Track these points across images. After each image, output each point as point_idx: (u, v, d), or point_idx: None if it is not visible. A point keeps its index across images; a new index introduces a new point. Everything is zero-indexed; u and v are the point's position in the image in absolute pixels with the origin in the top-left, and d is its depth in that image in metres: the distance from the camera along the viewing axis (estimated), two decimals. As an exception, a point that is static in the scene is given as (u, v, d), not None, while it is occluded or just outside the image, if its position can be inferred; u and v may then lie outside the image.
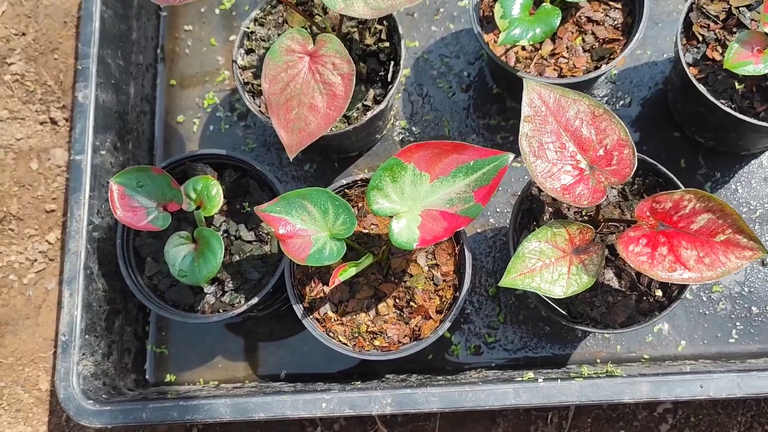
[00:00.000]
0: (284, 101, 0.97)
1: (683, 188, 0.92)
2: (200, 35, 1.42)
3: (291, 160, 0.98)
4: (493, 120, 1.31)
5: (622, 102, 1.29)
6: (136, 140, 1.30)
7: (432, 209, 0.92)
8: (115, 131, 1.23)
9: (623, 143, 0.92)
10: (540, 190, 1.09)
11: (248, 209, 1.14)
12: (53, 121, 1.41)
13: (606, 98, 1.29)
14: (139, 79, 1.33)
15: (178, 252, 1.04)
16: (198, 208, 1.07)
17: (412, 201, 0.92)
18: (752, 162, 1.24)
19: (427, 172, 0.92)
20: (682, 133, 1.26)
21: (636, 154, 0.91)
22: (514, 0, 1.09)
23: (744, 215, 1.21)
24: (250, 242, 1.12)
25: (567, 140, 0.94)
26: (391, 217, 0.92)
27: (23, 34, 1.46)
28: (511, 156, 0.90)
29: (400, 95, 1.33)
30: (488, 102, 1.32)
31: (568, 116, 0.94)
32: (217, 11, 1.43)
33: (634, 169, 0.91)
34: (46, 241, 1.35)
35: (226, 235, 1.13)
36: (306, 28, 1.17)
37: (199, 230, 1.04)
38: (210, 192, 1.07)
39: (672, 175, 1.04)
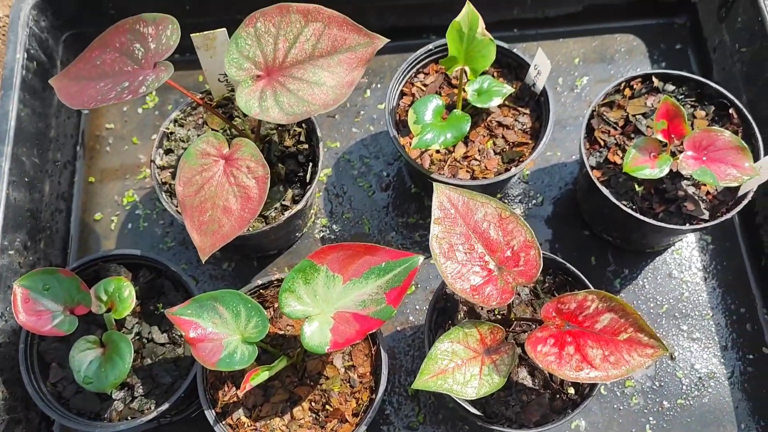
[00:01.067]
0: (198, 203, 0.97)
1: (587, 289, 0.95)
2: (122, 133, 1.42)
3: (203, 261, 0.97)
4: (412, 218, 1.33)
5: (534, 201, 1.34)
6: (49, 239, 1.26)
7: (345, 311, 0.92)
8: (26, 230, 1.20)
9: (529, 245, 0.95)
10: (455, 289, 1.11)
11: (162, 310, 1.11)
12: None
13: (519, 197, 1.34)
14: (56, 176, 1.32)
15: (84, 357, 1.00)
16: (109, 310, 1.04)
17: (325, 303, 0.92)
18: (657, 259, 1.30)
19: (340, 273, 0.93)
20: (592, 231, 1.31)
21: (541, 255, 0.94)
22: (426, 106, 1.14)
23: (651, 311, 1.26)
24: (162, 344, 1.09)
25: (476, 242, 0.96)
26: (304, 319, 0.92)
27: (-63, 129, 1.43)
28: (421, 258, 0.92)
29: (321, 194, 1.35)
30: (407, 201, 1.35)
31: (476, 218, 0.97)
32: (140, 110, 1.44)
33: (540, 269, 0.94)
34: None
35: (138, 337, 1.10)
36: (225, 131, 1.19)
37: (108, 334, 1.01)
38: (122, 294, 1.04)
39: (580, 274, 1.08)
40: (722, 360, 1.22)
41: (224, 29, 1.10)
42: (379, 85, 1.45)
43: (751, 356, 1.23)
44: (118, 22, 1.03)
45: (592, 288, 1.07)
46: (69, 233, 1.33)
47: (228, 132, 1.19)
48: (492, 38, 1.10)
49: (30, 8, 1.30)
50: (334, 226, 1.33)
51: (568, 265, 1.09)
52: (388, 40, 1.01)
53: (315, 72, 0.99)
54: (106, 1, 1.34)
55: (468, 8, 1.09)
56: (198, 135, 1.20)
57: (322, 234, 1.33)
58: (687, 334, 1.24)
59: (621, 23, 1.49)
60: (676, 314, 1.26)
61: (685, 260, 1.30)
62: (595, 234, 1.31)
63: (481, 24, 1.09)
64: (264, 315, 0.93)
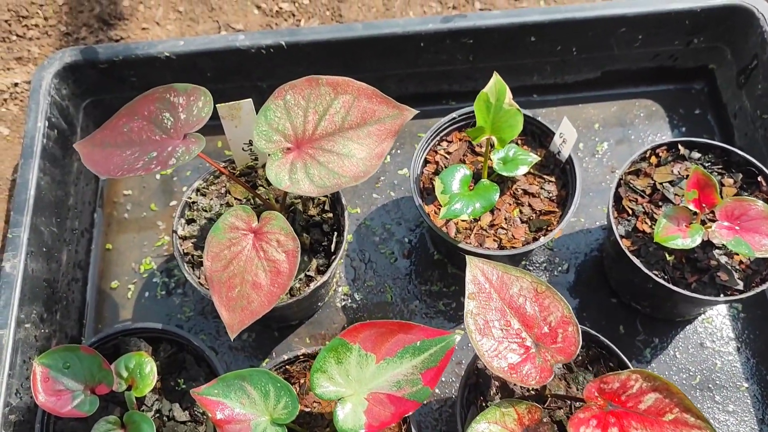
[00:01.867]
0: (226, 279, 0.95)
1: (630, 368, 0.92)
2: (140, 200, 1.41)
3: (232, 339, 0.94)
4: (435, 286, 1.31)
5: (560, 268, 1.32)
6: (64, 309, 1.23)
7: (379, 392, 0.89)
8: (42, 302, 1.17)
9: (567, 320, 0.93)
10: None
11: (183, 386, 1.08)
12: (-24, 287, 1.34)
13: (544, 264, 1.32)
14: (73, 244, 1.29)
15: (104, 439, 0.96)
16: (129, 387, 1.01)
17: (358, 384, 0.89)
18: (687, 328, 1.27)
19: (373, 352, 0.90)
20: (619, 299, 1.29)
21: (580, 331, 0.92)
22: (453, 175, 1.12)
23: (684, 382, 1.22)
24: (184, 423, 1.05)
25: (512, 317, 0.94)
26: (336, 401, 0.88)
27: (-48, 196, 1.42)
28: (458, 337, 0.89)
29: (342, 261, 1.33)
30: (429, 268, 1.33)
31: (511, 293, 0.95)
32: (158, 177, 1.43)
33: (579, 347, 0.91)
34: (-44, 419, 1.24)
35: (158, 415, 1.06)
36: (249, 200, 1.18)
37: (129, 415, 0.97)
38: (143, 370, 1.01)
39: (614, 347, 1.05)
40: (759, 434, 1.19)
41: (250, 99, 1.09)
42: (399, 151, 1.44)
43: (788, 430, 1.19)
44: (148, 91, 1.02)
45: (627, 361, 1.04)
46: (85, 303, 1.30)
47: (252, 201, 1.18)
48: (519, 109, 1.09)
49: (52, 77, 1.29)
50: (356, 295, 1.30)
51: (602, 337, 1.06)
52: (417, 112, 1.01)
53: (345, 144, 0.98)
54: (128, 70, 1.34)
55: (495, 79, 1.08)
56: (221, 204, 1.18)
57: (343, 303, 1.30)
58: (722, 407, 1.21)
59: (639, 89, 1.49)
60: (710, 385, 1.22)
61: (716, 329, 1.27)
62: (623, 302, 1.28)
63: (509, 94, 1.09)
64: (294, 395, 0.89)
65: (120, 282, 1.33)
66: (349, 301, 1.30)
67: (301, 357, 1.07)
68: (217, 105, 1.10)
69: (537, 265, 1.33)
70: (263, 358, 1.26)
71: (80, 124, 1.37)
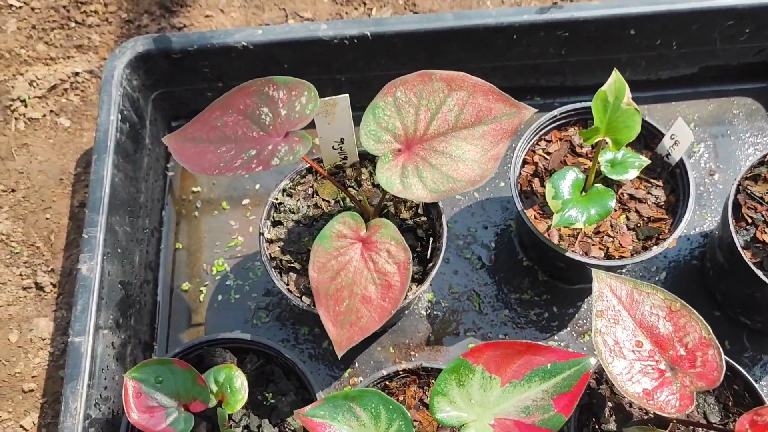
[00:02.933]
0: (334, 291, 0.87)
1: (783, 398, 0.84)
2: (210, 197, 1.33)
3: (339, 357, 0.87)
4: (526, 294, 1.23)
5: (657, 278, 1.24)
6: (138, 314, 1.17)
7: (505, 418, 0.81)
8: (118, 306, 1.10)
9: (706, 343, 0.85)
10: (598, 383, 1.00)
11: (272, 401, 1.01)
12: (39, 287, 1.28)
13: (640, 273, 1.24)
14: (144, 244, 1.23)
15: (197, 460, 0.89)
16: (219, 403, 0.94)
17: (482, 408, 0.82)
18: (799, 344, 1.19)
19: (497, 375, 0.82)
20: (724, 312, 1.20)
21: (722, 355, 0.84)
22: (564, 179, 1.04)
23: (797, 402, 1.14)
24: (274, 440, 0.99)
25: (643, 337, 0.86)
26: (459, 428, 0.81)
27: (12, 190, 1.35)
28: (594, 360, 0.81)
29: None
30: (518, 275, 1.25)
31: (642, 311, 0.87)
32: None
33: (723, 372, 0.83)
34: (21, 426, 1.18)
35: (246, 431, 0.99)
36: (338, 202, 1.10)
37: (223, 433, 0.91)
38: (234, 384, 0.94)
39: (740, 368, 0.97)
40: None
41: (347, 95, 1.01)
42: (518, 144, 1.36)
43: None
44: (244, 84, 0.95)
45: (753, 383, 0.96)
46: (156, 306, 1.23)
47: (341, 203, 1.10)
48: (637, 108, 1.01)
49: (124, 66, 1.22)
50: (442, 302, 1.23)
51: (726, 357, 0.97)
52: (536, 110, 0.92)
53: (458, 145, 0.90)
54: (201, 60, 1.26)
55: (615, 76, 1.00)
56: (308, 206, 1.11)
57: (428, 311, 1.23)
58: (837, 430, 1.12)
59: (738, 86, 1.40)
60: (824, 407, 1.14)
61: (830, 346, 1.18)
62: (729, 316, 1.20)
63: (628, 93, 1.01)
64: (409, 419, 0.82)
65: (191, 284, 1.26)
66: (435, 309, 1.23)
67: (401, 373, 1.00)
68: (312, 100, 1.03)
69: (632, 274, 1.24)
70: (345, 368, 1.19)
71: (149, 117, 1.30)
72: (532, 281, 1.24)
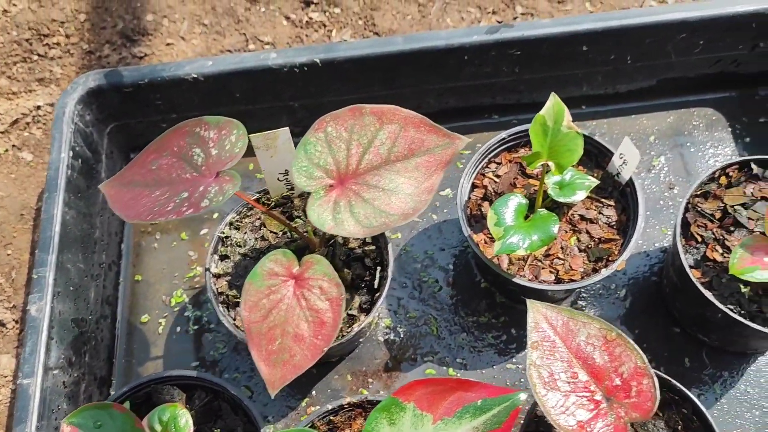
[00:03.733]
0: (266, 330, 0.87)
1: None
2: (168, 228, 1.34)
3: (272, 396, 0.87)
4: (483, 317, 1.22)
5: (615, 295, 1.23)
6: (93, 350, 1.17)
7: (437, 457, 0.81)
8: (70, 344, 1.11)
9: (641, 372, 0.84)
10: (546, 410, 0.99)
11: (220, 437, 1.01)
12: (0, 324, 1.28)
13: (600, 291, 1.23)
14: (101, 279, 1.23)
15: (138, 503, 0.89)
16: (164, 443, 0.94)
17: (414, 446, 0.81)
18: (760, 359, 1.17)
19: (429, 412, 0.82)
20: (683, 329, 1.19)
21: (657, 384, 0.83)
22: (507, 205, 1.04)
23: (758, 420, 1.13)
24: (222, 477, 0.98)
25: (579, 368, 0.85)
26: (390, 466, 0.80)
27: (-27, 227, 1.36)
28: (524, 395, 0.81)
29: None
30: (476, 297, 1.24)
31: (578, 341, 0.86)
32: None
33: (657, 402, 0.82)
34: (-17, 464, 1.18)
35: (194, 469, 0.99)
36: (285, 233, 1.10)
37: (164, 476, 0.90)
38: (178, 423, 0.94)
39: (687, 392, 0.96)
40: (843, 477, 1.09)
41: (287, 128, 1.01)
42: (466, 168, 1.35)
43: None
44: (178, 124, 0.95)
45: (701, 406, 0.95)
46: (114, 341, 1.24)
47: (289, 235, 1.10)
48: (579, 131, 1.00)
49: (75, 103, 1.23)
50: (399, 328, 1.22)
51: (674, 381, 0.97)
52: (469, 140, 0.92)
53: (391, 178, 0.90)
54: (153, 93, 1.27)
55: (553, 100, 0.99)
56: (255, 238, 1.11)
57: (386, 336, 1.22)
58: (800, 447, 1.11)
59: (698, 96, 1.39)
60: (786, 423, 1.13)
61: (791, 361, 1.17)
62: (688, 333, 1.19)
63: (568, 116, 1.00)
64: (343, 459, 0.82)
65: (150, 316, 1.26)
66: (392, 334, 1.22)
67: (346, 406, 0.99)
68: (250, 135, 1.02)
69: (592, 292, 1.23)
70: (302, 397, 1.19)
71: (104, 151, 1.30)
72: (489, 303, 1.24)
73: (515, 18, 1.55)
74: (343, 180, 0.90)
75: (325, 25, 1.56)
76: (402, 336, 1.22)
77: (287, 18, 1.57)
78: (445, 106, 1.36)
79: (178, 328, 1.25)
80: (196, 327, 1.25)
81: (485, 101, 1.37)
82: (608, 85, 1.36)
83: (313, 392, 1.19)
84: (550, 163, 1.03)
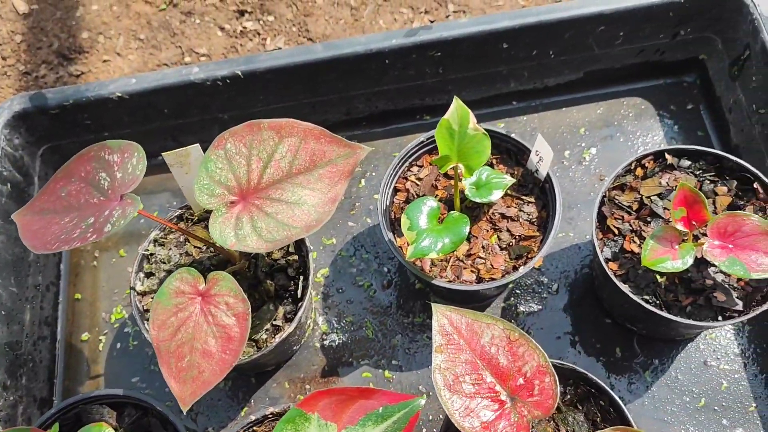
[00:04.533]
0: (175, 348, 0.89)
1: (613, 428, 0.84)
2: (107, 246, 1.35)
3: (184, 412, 0.88)
4: (418, 318, 1.24)
5: (549, 290, 1.24)
6: (31, 372, 1.18)
7: (341, 465, 0.82)
8: (4, 369, 1.12)
9: (543, 370, 0.85)
10: (467, 410, 1.00)
11: (150, 453, 1.02)
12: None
13: (533, 287, 1.24)
14: (38, 301, 1.24)
15: None
16: (89, 463, 0.95)
17: (319, 456, 0.83)
18: (689, 346, 1.18)
19: (333, 421, 0.83)
20: (613, 320, 1.20)
21: (557, 382, 0.84)
22: (420, 209, 1.05)
23: (688, 405, 1.14)
24: (151, 493, 1.00)
25: (484, 370, 0.86)
26: (296, 477, 0.82)
27: None
28: (423, 400, 0.82)
29: (318, 297, 1.26)
30: (411, 299, 1.25)
31: (482, 343, 0.88)
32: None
33: (557, 399, 0.83)
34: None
35: (124, 486, 1.00)
36: (208, 249, 1.11)
37: (87, 495, 0.92)
38: (103, 443, 0.95)
39: (603, 384, 0.97)
40: (772, 458, 1.10)
41: (197, 145, 1.02)
42: (374, 174, 1.37)
43: (804, 451, 1.11)
44: (83, 150, 0.96)
45: (617, 399, 0.96)
46: (54, 361, 1.25)
47: (213, 249, 1.11)
48: (485, 132, 1.01)
49: (2, 127, 1.24)
50: (335, 333, 1.24)
51: (590, 375, 0.98)
52: (370, 149, 0.93)
53: (294, 191, 0.91)
54: (80, 113, 1.28)
55: (456, 104, 1.00)
56: (180, 254, 1.12)
57: (323, 342, 1.23)
58: (729, 430, 1.12)
59: (626, 86, 1.39)
60: (716, 407, 1.14)
61: (720, 346, 1.18)
62: (618, 323, 1.20)
63: (473, 119, 1.01)
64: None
65: (91, 334, 1.27)
66: (328, 340, 1.23)
67: (270, 416, 1.01)
68: (163, 154, 1.04)
69: (525, 287, 1.25)
70: (242, 407, 1.20)
71: (37, 173, 1.31)
72: (423, 304, 1.25)
73: (447, 16, 1.56)
74: (246, 196, 0.91)
75: (259, 34, 1.57)
76: (338, 341, 1.23)
77: (222, 29, 1.58)
78: (374, 110, 1.37)
79: (119, 345, 1.26)
80: (136, 343, 1.26)
81: (415, 103, 1.38)
82: (536, 80, 1.37)
83: (252, 401, 1.20)
84: (461, 166, 1.04)
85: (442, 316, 0.89)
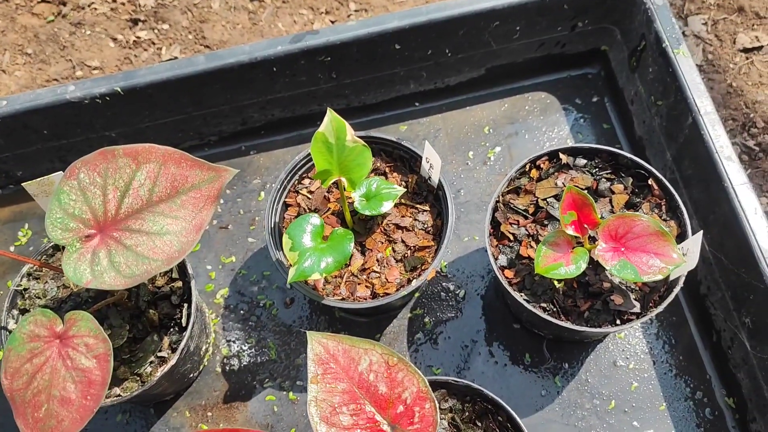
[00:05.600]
0: (30, 397, 0.82)
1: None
2: (-7, 277, 1.28)
3: (44, 467, 0.82)
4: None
5: (456, 297, 1.20)
6: None
7: None
8: None
9: (423, 396, 0.81)
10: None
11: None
12: None
13: (442, 294, 1.20)
14: None
15: None
16: None
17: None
18: (599, 347, 1.16)
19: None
20: (522, 325, 1.17)
21: (437, 408, 0.80)
22: (302, 228, 0.99)
23: (598, 408, 1.12)
24: None
25: (363, 399, 0.82)
26: None
27: None
28: (292, 439, 0.77)
29: (218, 320, 1.21)
30: (315, 314, 1.21)
31: (360, 370, 0.83)
32: (12, 248, 1.29)
33: (437, 425, 0.79)
34: None
35: None
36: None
37: None
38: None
39: (501, 401, 0.93)
40: (683, 457, 1.08)
41: (61, 172, 0.95)
42: (274, 185, 1.31)
43: (715, 448, 1.09)
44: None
45: (514, 414, 0.93)
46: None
47: (88, 281, 1.04)
48: (365, 144, 0.96)
49: None
50: (237, 357, 1.18)
51: (486, 391, 0.94)
52: (237, 171, 0.87)
53: (155, 220, 0.85)
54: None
55: (330, 116, 0.95)
56: (57, 287, 1.05)
57: (224, 366, 1.18)
58: (640, 431, 1.10)
59: (530, 81, 1.36)
60: (626, 409, 1.12)
61: (629, 345, 1.16)
62: (526, 328, 1.17)
63: (350, 131, 0.96)
64: None
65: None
66: (230, 364, 1.18)
67: (153, 456, 0.95)
68: (23, 184, 0.97)
69: (431, 296, 1.21)
70: (140, 439, 1.14)
71: None
72: (328, 319, 1.20)
73: (349, 16, 1.50)
74: (103, 228, 0.85)
75: (154, 43, 1.50)
76: (240, 364, 1.18)
77: (114, 39, 1.51)
78: (270, 119, 1.32)
79: (8, 383, 1.19)
80: (27, 379, 1.19)
81: (313, 109, 1.32)
82: (436, 80, 1.32)
83: (151, 433, 1.15)
84: (344, 179, 0.99)
85: (317, 344, 0.84)
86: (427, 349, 1.17)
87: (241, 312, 1.22)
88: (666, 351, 1.15)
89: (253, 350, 1.19)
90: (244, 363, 1.18)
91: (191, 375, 1.15)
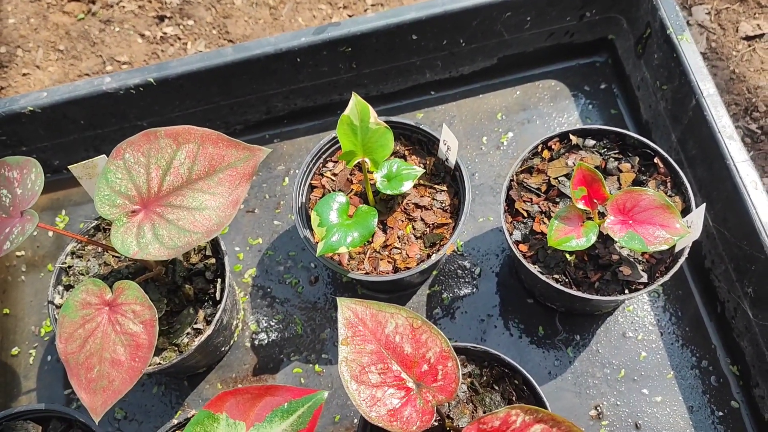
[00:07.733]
0: (84, 360, 0.89)
1: (509, 405, 0.87)
2: (34, 260, 1.35)
3: (96, 422, 0.89)
4: (346, 311, 1.25)
5: (472, 274, 1.27)
6: (-40, 392, 1.19)
7: (251, 462, 0.84)
8: (-71, 391, 1.12)
9: (446, 355, 0.87)
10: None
11: (76, 464, 1.03)
12: None
13: (458, 272, 1.27)
14: (-36, 321, 1.24)
15: None
16: (13, 478, 0.96)
17: (229, 455, 0.84)
18: (608, 320, 1.22)
19: (242, 420, 0.84)
20: (535, 299, 1.23)
21: (459, 366, 0.86)
22: (330, 205, 1.06)
23: (609, 377, 1.18)
24: (80, 503, 1.01)
25: (390, 359, 0.88)
26: (208, 477, 0.83)
27: None
28: (326, 393, 0.84)
29: (247, 298, 1.28)
30: (338, 292, 1.27)
31: (387, 332, 0.89)
32: (50, 233, 1.36)
33: (459, 382, 0.86)
34: None
35: (53, 498, 1.01)
36: (126, 257, 1.12)
37: None
38: (25, 458, 0.96)
39: (516, 364, 1.00)
40: (691, 422, 1.14)
41: (104, 155, 1.03)
42: (297, 171, 1.38)
43: (720, 413, 1.14)
44: (-16, 168, 0.96)
45: (530, 378, 0.99)
46: (-15, 379, 1.25)
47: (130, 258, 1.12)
48: (387, 126, 1.03)
49: None
50: (265, 332, 1.25)
51: (503, 356, 1.01)
52: (270, 151, 0.94)
53: (195, 197, 0.92)
54: (-6, 129, 1.27)
55: (355, 100, 1.02)
56: (99, 264, 1.13)
57: (253, 341, 1.25)
58: (649, 398, 1.16)
59: (540, 69, 1.42)
60: (635, 377, 1.17)
61: (638, 317, 1.22)
62: (539, 302, 1.23)
63: (373, 114, 1.03)
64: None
65: (21, 348, 1.28)
66: (258, 339, 1.25)
67: (192, 418, 1.02)
68: (70, 166, 1.04)
69: (449, 273, 1.27)
70: (175, 410, 1.21)
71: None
72: (351, 296, 1.26)
73: (366, 10, 1.57)
74: (147, 204, 0.92)
75: (180, 38, 1.57)
76: (268, 339, 1.25)
77: (142, 35, 1.58)
78: (294, 108, 1.38)
79: (49, 357, 1.27)
80: (67, 355, 1.26)
81: (334, 98, 1.39)
82: (451, 69, 1.39)
83: (185, 404, 1.22)
84: (367, 160, 1.05)
85: (347, 309, 0.90)
86: (445, 323, 1.23)
87: (269, 290, 1.28)
88: (673, 322, 1.20)
89: (280, 326, 1.25)
90: (272, 338, 1.25)
91: (223, 348, 1.22)
